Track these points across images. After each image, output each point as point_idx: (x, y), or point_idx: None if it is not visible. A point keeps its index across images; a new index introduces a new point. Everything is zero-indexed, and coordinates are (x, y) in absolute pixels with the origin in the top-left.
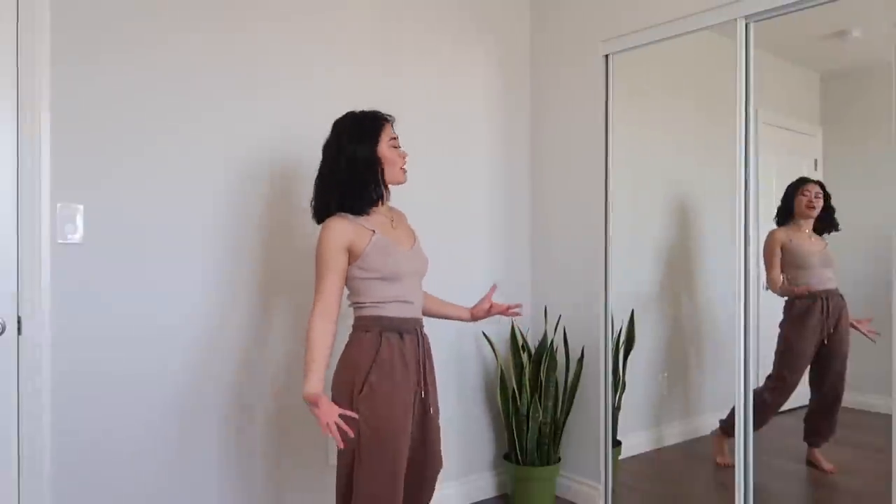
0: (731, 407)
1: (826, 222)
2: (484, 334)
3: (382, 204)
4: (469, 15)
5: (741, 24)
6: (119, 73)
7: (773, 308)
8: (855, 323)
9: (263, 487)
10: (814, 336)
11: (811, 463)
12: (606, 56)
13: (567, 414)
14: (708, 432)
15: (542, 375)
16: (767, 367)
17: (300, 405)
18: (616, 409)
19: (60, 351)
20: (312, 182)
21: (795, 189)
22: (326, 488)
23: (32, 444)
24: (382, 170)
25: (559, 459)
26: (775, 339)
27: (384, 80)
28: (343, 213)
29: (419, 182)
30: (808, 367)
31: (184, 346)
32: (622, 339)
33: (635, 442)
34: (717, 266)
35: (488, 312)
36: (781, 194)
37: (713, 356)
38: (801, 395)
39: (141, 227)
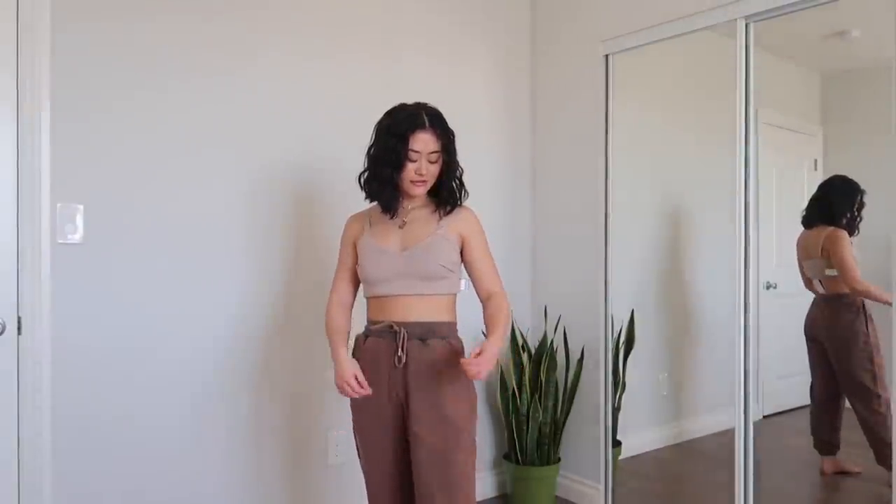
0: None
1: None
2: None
3: (394, 208)
4: (469, 15)
5: (741, 24)
6: (120, 74)
7: (772, 308)
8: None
9: (264, 488)
10: None
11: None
12: (606, 56)
13: (567, 414)
14: (708, 432)
15: (542, 375)
16: (768, 367)
17: (300, 405)
18: (616, 409)
19: (60, 351)
20: (316, 181)
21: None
22: (327, 488)
23: (33, 443)
24: (400, 171)
25: (559, 459)
26: (775, 340)
27: (384, 81)
28: (369, 207)
29: None
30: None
31: (184, 346)
32: (622, 339)
33: (635, 442)
34: (717, 266)
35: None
36: (809, 196)
37: (713, 356)
38: (803, 395)
39: (141, 227)
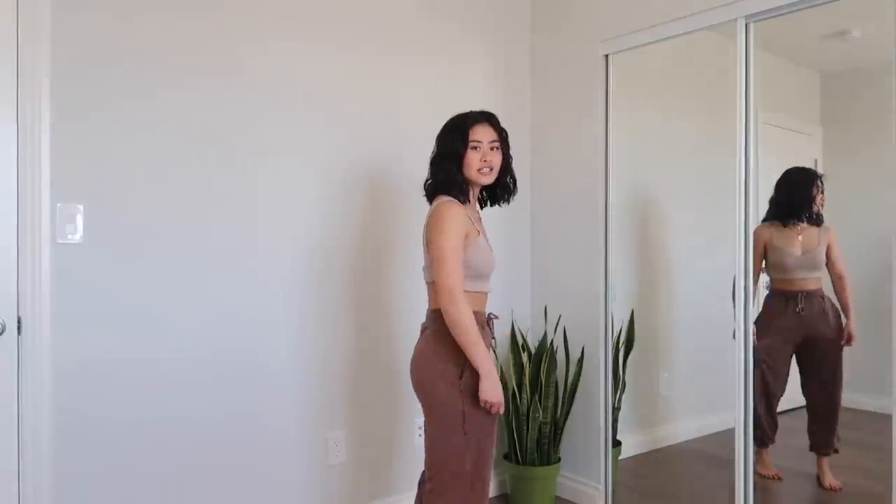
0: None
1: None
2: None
3: (468, 198)
4: (469, 15)
5: (741, 24)
6: (120, 73)
7: None
8: None
9: (264, 488)
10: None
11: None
12: (606, 56)
13: (567, 414)
14: (707, 432)
15: (542, 375)
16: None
17: (300, 405)
18: (616, 409)
19: (60, 351)
20: (313, 180)
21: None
22: (326, 488)
23: (33, 444)
24: (461, 165)
25: (559, 459)
26: None
27: (384, 80)
28: (451, 199)
29: (419, 181)
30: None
31: (184, 346)
32: (622, 339)
33: (635, 442)
34: (718, 266)
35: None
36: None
37: (713, 356)
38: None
39: (141, 227)
